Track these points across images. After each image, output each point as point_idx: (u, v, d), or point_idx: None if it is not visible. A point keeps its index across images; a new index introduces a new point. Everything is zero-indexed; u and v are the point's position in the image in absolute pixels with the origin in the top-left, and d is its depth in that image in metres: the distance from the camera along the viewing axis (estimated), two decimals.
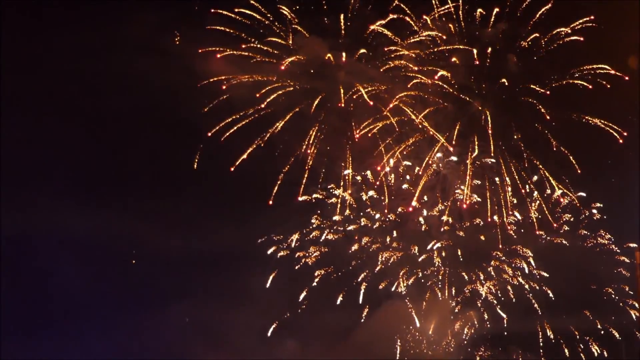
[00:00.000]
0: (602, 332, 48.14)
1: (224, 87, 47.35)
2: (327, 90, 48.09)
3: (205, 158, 47.57)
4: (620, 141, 45.46)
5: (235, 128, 46.62)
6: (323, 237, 47.55)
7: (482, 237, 48.28)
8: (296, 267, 47.95)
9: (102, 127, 50.99)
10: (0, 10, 47.94)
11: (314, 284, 48.00)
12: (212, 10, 46.26)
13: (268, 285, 48.50)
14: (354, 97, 47.67)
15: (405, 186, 47.68)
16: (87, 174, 50.45)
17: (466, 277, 48.34)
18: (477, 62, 47.32)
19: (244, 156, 45.99)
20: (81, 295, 49.23)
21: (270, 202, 46.25)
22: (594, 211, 47.47)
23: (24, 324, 48.86)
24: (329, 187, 47.63)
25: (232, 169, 45.91)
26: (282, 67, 47.59)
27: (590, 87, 46.30)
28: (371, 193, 47.95)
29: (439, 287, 48.36)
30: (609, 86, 45.88)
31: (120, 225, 49.52)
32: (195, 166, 46.98)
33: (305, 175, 46.81)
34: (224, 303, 49.20)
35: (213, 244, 49.66)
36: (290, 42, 47.80)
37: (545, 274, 48.24)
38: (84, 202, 49.12)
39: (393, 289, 48.40)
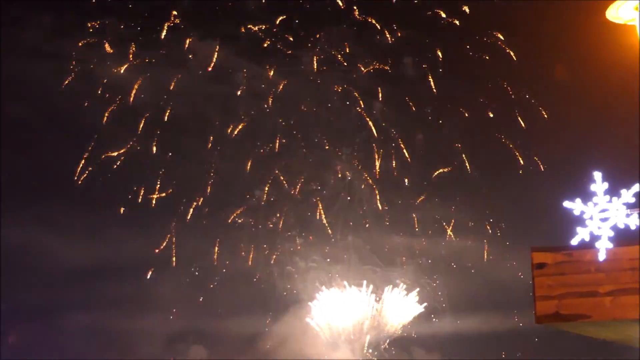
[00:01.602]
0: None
1: (121, 96, 45.98)
2: (226, 100, 46.78)
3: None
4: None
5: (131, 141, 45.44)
6: (227, 263, 46.89)
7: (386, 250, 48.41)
8: (201, 297, 47.59)
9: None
10: None
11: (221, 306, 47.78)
12: (89, 24, 43.81)
13: (173, 294, 48.40)
14: (254, 109, 46.49)
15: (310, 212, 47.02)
16: None
17: (370, 288, 48.31)
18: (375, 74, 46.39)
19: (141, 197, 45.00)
20: None
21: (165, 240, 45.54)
22: (498, 232, 47.52)
23: None
24: (233, 210, 46.63)
25: (122, 211, 44.97)
26: (180, 75, 46.08)
27: (493, 105, 45.81)
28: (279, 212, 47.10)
29: (343, 299, 48.40)
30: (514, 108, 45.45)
31: (23, 234, 48.66)
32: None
33: (202, 198, 46.00)
34: (128, 311, 49.00)
35: (117, 253, 49.20)
36: (185, 48, 46.04)
37: (448, 290, 48.71)
38: None
39: (301, 303, 48.52)
